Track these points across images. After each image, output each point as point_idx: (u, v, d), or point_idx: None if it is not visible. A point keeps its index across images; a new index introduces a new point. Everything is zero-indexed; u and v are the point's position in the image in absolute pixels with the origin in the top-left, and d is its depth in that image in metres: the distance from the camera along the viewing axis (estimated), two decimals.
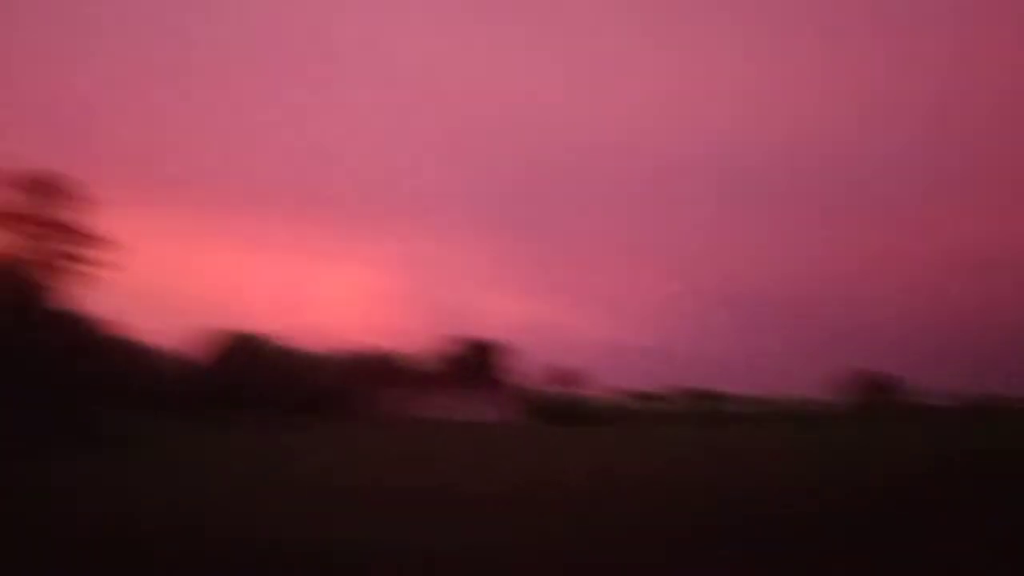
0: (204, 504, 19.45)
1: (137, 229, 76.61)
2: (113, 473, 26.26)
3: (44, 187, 43.11)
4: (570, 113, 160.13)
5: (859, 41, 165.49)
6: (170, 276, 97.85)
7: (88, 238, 43.94)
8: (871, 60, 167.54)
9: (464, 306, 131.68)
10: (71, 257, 43.43)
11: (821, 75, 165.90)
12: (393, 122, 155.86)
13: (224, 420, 55.21)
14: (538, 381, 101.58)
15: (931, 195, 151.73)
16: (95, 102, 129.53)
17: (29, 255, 42.07)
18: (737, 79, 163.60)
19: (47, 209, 43.07)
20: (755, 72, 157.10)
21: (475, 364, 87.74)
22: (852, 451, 39.50)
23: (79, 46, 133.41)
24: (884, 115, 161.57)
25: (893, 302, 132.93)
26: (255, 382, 64.85)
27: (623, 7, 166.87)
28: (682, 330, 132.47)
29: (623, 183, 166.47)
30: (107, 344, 45.85)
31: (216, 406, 60.43)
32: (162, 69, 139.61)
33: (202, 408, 59.12)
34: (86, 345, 42.23)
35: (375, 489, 23.08)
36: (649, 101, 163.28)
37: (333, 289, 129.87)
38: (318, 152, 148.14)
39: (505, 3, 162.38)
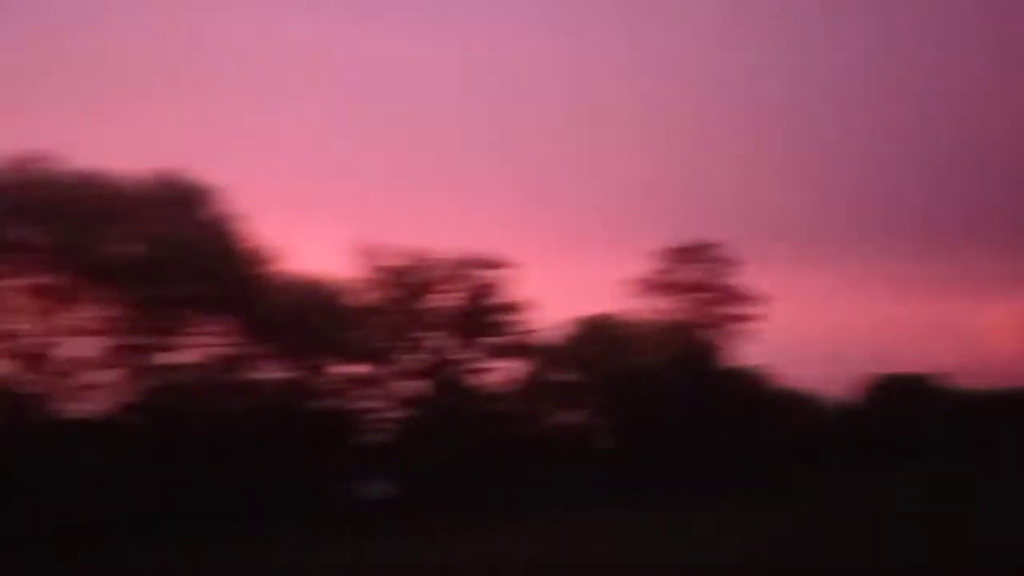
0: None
1: (777, 280, 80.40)
2: (793, 516, 28.26)
3: (697, 254, 48.37)
4: None
5: None
6: (815, 322, 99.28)
7: (740, 295, 47.91)
8: None
9: None
10: (729, 316, 47.80)
11: None
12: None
13: (886, 464, 54.59)
14: None
15: None
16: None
17: (695, 318, 47.44)
18: None
19: (703, 274, 48.20)
20: None
21: None
22: None
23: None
24: None
25: None
26: (914, 424, 62.78)
27: None
28: None
29: None
30: (769, 395, 48.82)
31: (876, 450, 59.92)
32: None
33: (862, 452, 59.13)
34: (753, 397, 45.62)
35: None
36: None
37: (994, 321, 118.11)
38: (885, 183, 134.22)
39: None
